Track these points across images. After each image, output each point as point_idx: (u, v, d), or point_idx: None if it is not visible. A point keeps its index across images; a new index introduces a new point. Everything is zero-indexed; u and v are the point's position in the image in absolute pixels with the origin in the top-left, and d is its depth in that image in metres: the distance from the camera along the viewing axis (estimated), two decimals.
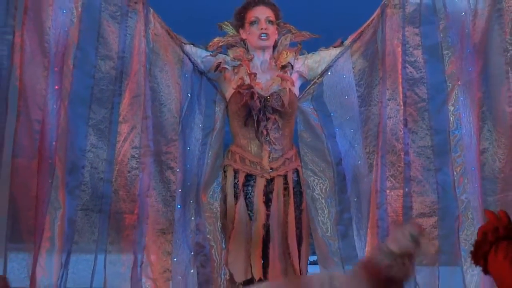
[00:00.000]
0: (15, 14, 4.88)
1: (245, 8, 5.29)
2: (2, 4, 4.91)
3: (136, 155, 5.10)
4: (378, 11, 5.33)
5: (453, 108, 5.29)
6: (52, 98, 4.99)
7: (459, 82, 5.27)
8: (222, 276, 5.22)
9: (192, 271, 5.20)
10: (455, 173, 5.27)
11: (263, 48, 5.28)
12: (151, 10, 5.21)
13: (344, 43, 5.38)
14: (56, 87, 4.99)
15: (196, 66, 5.29)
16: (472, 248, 3.07)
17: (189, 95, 5.27)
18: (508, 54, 5.19)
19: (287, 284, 4.25)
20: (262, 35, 5.23)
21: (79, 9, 5.05)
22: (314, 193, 5.35)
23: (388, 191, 5.25)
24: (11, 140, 4.89)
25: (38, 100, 4.94)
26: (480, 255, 3.00)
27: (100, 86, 5.10)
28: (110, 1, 5.12)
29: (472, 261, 3.06)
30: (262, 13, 5.26)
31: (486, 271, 3.01)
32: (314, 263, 5.50)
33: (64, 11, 5.02)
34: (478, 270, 5.20)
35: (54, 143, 4.97)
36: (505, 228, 2.99)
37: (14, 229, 4.91)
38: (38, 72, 4.94)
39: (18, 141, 4.89)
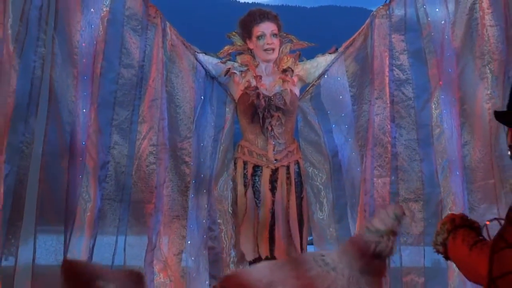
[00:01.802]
0: (45, 30, 5.00)
1: (251, 22, 5.51)
2: (34, 20, 4.97)
3: (154, 152, 5.29)
4: (368, 21, 5.52)
5: (435, 105, 5.46)
6: (82, 102, 5.13)
7: (440, 83, 5.44)
8: (231, 256, 5.49)
9: (204, 252, 5.45)
10: (438, 162, 5.44)
11: (269, 62, 5.54)
12: (168, 23, 5.41)
13: (338, 50, 5.59)
14: (85, 93, 5.13)
15: (208, 72, 5.53)
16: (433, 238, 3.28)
17: (202, 97, 5.51)
18: (485, 57, 5.34)
19: (284, 263, 4.30)
20: (268, 50, 5.49)
21: (105, 24, 5.19)
22: (313, 182, 5.60)
23: (375, 179, 5.41)
24: (41, 140, 5.01)
25: (68, 105, 5.06)
26: (439, 243, 3.23)
27: (122, 91, 5.27)
28: (132, 17, 5.29)
29: (434, 250, 3.28)
30: (267, 28, 5.49)
31: (447, 257, 3.24)
32: (312, 243, 5.68)
33: (92, 26, 5.15)
34: None
35: (84, 142, 5.13)
36: (461, 218, 3.22)
37: (42, 216, 5.01)
38: (68, 81, 5.06)
39: (48, 141, 5.00)
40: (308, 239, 5.62)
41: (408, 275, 5.43)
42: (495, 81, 5.35)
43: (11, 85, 4.98)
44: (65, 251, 5.08)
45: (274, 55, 5.53)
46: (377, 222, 4.00)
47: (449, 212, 3.65)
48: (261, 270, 4.16)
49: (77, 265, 4.21)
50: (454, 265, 5.40)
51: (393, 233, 3.99)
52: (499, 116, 3.12)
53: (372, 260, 4.00)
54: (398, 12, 5.49)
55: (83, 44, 5.17)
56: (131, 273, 4.12)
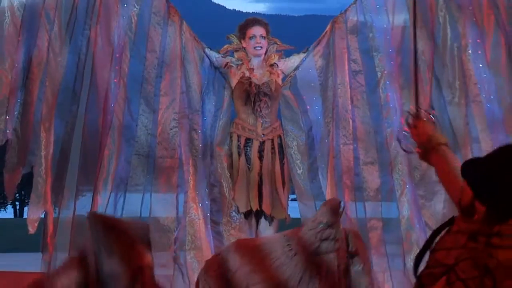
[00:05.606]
0: (91, 17, 5.59)
1: (246, 26, 6.09)
2: (82, 10, 5.59)
3: (176, 118, 5.80)
4: (329, 26, 6.19)
5: (382, 89, 6.10)
6: (113, 74, 5.65)
7: (385, 72, 6.06)
8: (229, 207, 5.95)
9: (207, 202, 5.93)
10: (387, 133, 6.05)
11: (258, 56, 6.13)
12: (184, 21, 5.99)
13: (309, 49, 6.23)
14: (117, 67, 5.69)
15: (212, 63, 6.06)
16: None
17: (206, 82, 6.04)
18: (419, 51, 5.79)
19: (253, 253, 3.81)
20: (257, 47, 6.07)
21: (135, 18, 5.77)
22: (292, 151, 6.10)
23: (341, 145, 5.99)
24: (84, 102, 5.53)
25: (105, 77, 5.58)
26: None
27: (147, 70, 5.79)
28: (156, 13, 5.84)
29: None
30: (257, 31, 6.07)
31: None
32: (294, 199, 6.19)
33: (124, 17, 5.72)
34: (408, 204, 6.04)
35: (113, 105, 5.62)
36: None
37: (83, 174, 5.50)
38: (106, 58, 5.56)
39: (89, 102, 5.52)
40: (292, 196, 6.14)
41: (370, 220, 6.00)
42: (426, 68, 6.01)
43: (62, 59, 5.56)
44: (94, 193, 5.49)
45: (261, 52, 6.07)
46: (318, 216, 3.78)
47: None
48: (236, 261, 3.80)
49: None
50: (404, 212, 6.14)
51: (331, 225, 3.69)
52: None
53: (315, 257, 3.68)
54: (352, 19, 6.18)
55: (118, 30, 5.73)
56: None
